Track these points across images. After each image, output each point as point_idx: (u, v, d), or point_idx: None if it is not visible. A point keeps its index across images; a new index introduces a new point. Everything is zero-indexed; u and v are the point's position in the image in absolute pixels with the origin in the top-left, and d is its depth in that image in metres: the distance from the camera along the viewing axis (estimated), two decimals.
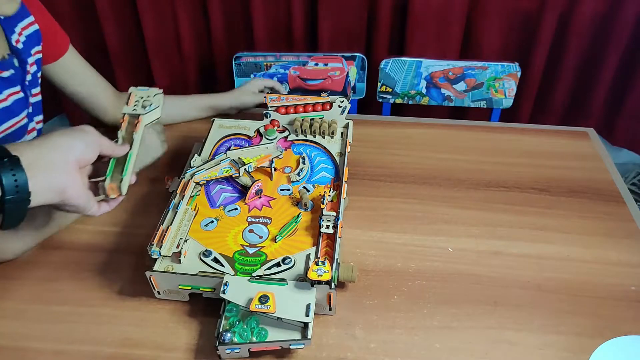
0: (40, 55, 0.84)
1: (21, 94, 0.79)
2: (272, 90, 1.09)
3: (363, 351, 0.66)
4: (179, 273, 0.68)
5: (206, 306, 0.70)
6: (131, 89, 0.75)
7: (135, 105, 0.73)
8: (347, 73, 1.35)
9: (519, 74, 1.32)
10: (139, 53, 1.57)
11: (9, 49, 0.78)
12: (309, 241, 0.73)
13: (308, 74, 1.36)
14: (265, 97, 0.93)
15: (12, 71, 0.77)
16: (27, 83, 0.81)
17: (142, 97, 0.74)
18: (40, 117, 0.86)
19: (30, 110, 0.82)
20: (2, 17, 0.76)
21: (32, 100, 0.83)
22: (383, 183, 0.93)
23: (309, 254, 0.71)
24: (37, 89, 0.85)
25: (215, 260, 0.70)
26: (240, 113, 1.07)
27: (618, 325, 0.69)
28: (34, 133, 0.84)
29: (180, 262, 0.69)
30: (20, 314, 0.70)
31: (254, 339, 0.62)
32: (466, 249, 0.80)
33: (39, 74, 0.85)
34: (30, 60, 0.81)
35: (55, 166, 0.58)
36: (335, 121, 0.93)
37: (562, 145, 1.03)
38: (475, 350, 0.66)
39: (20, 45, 0.79)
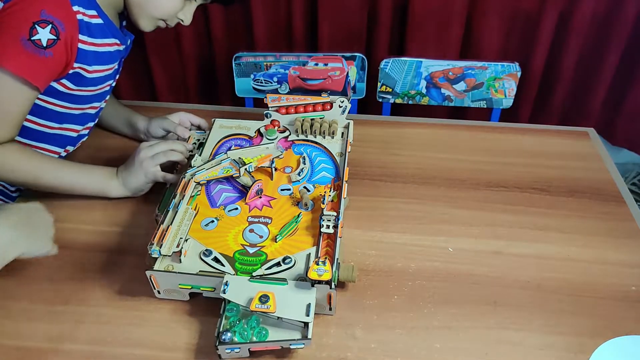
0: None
1: (117, 66, 0.93)
2: (198, 128, 0.99)
3: (363, 351, 0.66)
4: (179, 272, 0.68)
5: (206, 306, 0.70)
6: (191, 132, 0.96)
7: (193, 144, 0.93)
8: (347, 73, 1.35)
9: (519, 74, 1.32)
10: (139, 53, 1.57)
11: (120, 28, 0.92)
12: (309, 241, 0.73)
13: (308, 74, 1.36)
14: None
15: (124, 47, 0.92)
16: (122, 61, 0.95)
17: (198, 140, 0.94)
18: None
19: (114, 84, 0.97)
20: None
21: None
22: (383, 183, 0.93)
23: (309, 253, 0.71)
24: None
25: (216, 259, 0.70)
26: (241, 113, 1.06)
27: (618, 325, 0.69)
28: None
29: (180, 262, 0.69)
30: (21, 314, 0.70)
31: (254, 339, 0.62)
32: (466, 249, 0.80)
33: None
34: (128, 43, 0.94)
35: None
36: (336, 121, 0.93)
37: (562, 145, 1.03)
38: (475, 350, 0.66)
39: (124, 23, 0.94)
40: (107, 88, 0.95)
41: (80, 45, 0.81)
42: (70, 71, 0.83)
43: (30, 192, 0.88)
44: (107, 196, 0.86)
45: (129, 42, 0.94)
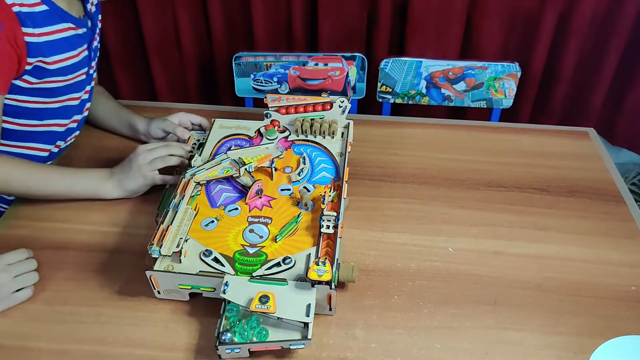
0: (100, 26, 0.96)
1: (86, 52, 0.90)
2: (200, 128, 1.00)
3: (363, 351, 0.66)
4: (179, 272, 0.68)
5: (206, 306, 0.70)
6: (191, 133, 0.95)
7: (192, 145, 0.93)
8: (347, 73, 1.35)
9: (519, 74, 1.32)
10: (138, 53, 1.57)
11: (84, 12, 0.90)
12: (309, 241, 0.73)
13: (308, 74, 1.35)
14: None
15: (85, 30, 0.89)
16: (93, 46, 0.93)
17: (198, 140, 0.94)
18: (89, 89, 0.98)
19: (91, 72, 0.95)
20: None
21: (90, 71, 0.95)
22: (383, 183, 0.93)
23: (310, 254, 0.71)
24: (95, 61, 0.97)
25: (216, 260, 0.70)
26: (241, 113, 1.06)
27: (618, 325, 0.69)
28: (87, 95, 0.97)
29: (180, 262, 0.69)
30: (22, 314, 0.70)
31: (254, 339, 0.62)
32: (466, 249, 0.80)
33: (98, 47, 0.97)
34: (98, 26, 0.95)
35: None
36: (336, 121, 0.93)
37: (562, 145, 1.03)
38: (475, 350, 0.66)
39: (93, 9, 0.91)
40: (83, 77, 0.92)
41: (28, 39, 0.77)
42: (28, 67, 0.80)
43: None
44: (103, 198, 0.86)
45: (89, 23, 0.90)
